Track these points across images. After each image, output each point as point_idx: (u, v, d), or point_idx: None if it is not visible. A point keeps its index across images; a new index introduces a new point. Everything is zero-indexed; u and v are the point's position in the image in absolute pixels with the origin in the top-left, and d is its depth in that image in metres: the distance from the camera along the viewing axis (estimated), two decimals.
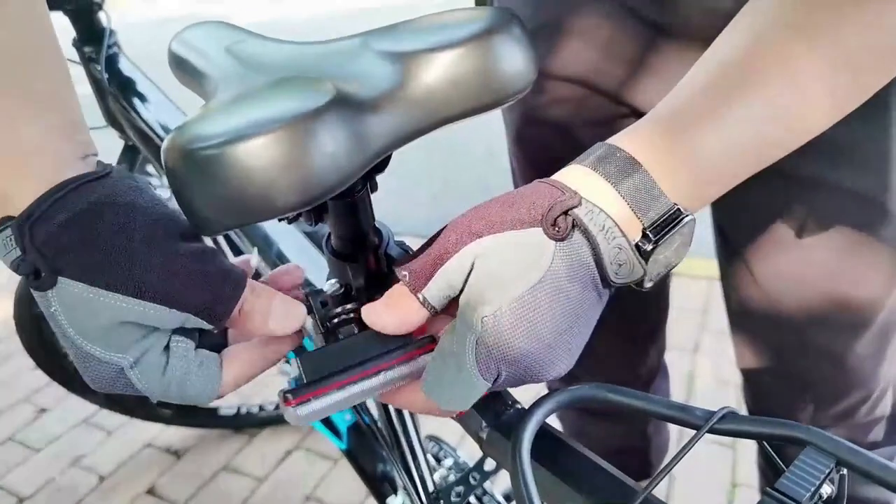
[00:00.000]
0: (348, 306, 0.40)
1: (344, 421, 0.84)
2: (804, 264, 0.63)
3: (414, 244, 0.40)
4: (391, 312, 0.35)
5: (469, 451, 0.76)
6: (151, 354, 0.32)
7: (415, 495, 0.52)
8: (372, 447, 0.82)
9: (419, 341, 0.37)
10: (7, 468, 1.50)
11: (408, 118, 0.29)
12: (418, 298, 0.34)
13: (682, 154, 0.33)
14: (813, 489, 0.29)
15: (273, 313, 0.35)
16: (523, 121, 0.72)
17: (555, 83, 0.66)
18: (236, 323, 0.35)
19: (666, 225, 0.33)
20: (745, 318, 0.74)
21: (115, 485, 1.45)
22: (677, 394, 1.55)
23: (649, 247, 0.33)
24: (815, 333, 0.66)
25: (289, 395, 0.35)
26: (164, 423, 1.54)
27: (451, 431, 1.50)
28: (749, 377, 0.78)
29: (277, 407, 1.57)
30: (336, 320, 0.39)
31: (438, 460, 0.75)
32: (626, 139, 0.34)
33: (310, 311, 0.39)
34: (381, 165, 0.41)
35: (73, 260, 0.30)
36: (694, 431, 0.33)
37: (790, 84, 0.32)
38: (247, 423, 1.58)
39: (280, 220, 0.42)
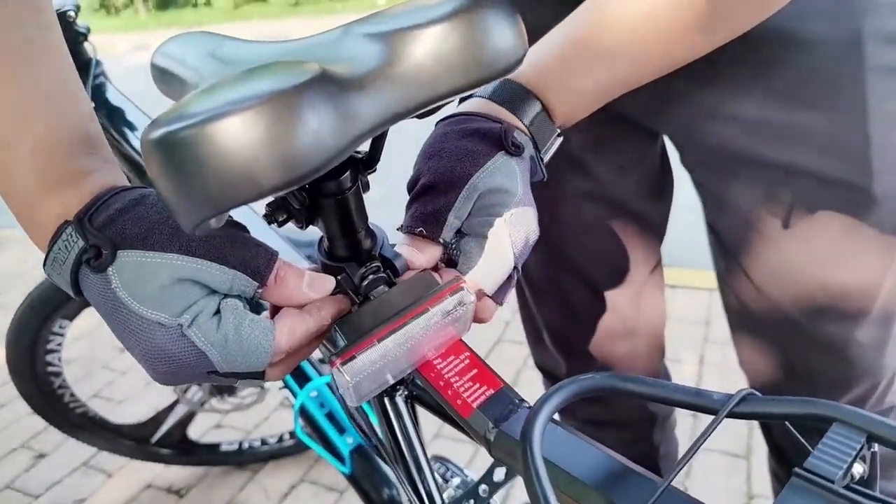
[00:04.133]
0: (374, 265, 0.40)
1: (346, 444, 0.82)
2: (795, 256, 0.63)
3: None
4: (418, 257, 0.43)
5: (477, 473, 0.74)
6: (204, 315, 0.36)
7: None
8: (376, 470, 0.80)
9: (447, 283, 0.39)
10: None
11: (395, 95, 0.28)
12: (440, 242, 0.43)
13: (565, 94, 0.48)
14: (845, 466, 0.27)
15: (306, 278, 0.39)
16: None
17: None
18: (273, 292, 0.38)
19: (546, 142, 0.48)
20: (744, 319, 0.73)
21: None
22: None
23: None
24: (815, 326, 0.66)
25: (334, 358, 0.36)
26: (165, 464, 1.50)
27: (458, 453, 1.47)
28: (753, 377, 0.77)
29: (280, 440, 1.53)
30: (365, 282, 0.40)
31: (446, 480, 0.73)
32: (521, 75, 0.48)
33: (341, 292, 0.40)
34: (371, 162, 0.40)
35: (129, 234, 0.35)
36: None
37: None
38: (249, 459, 1.54)
39: (270, 223, 0.41)
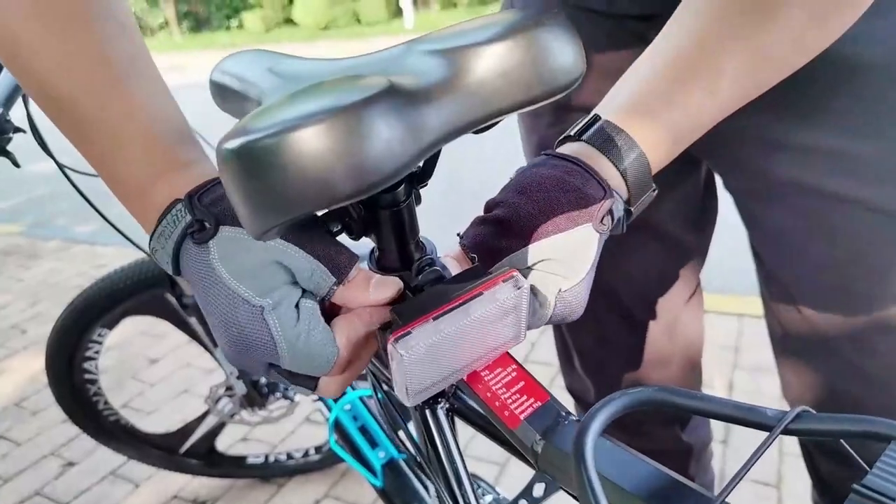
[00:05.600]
0: (427, 258, 0.41)
1: (378, 458, 0.82)
2: (841, 285, 0.61)
3: None
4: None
5: (508, 489, 0.73)
6: (286, 304, 0.38)
7: None
8: (407, 484, 0.80)
9: (499, 272, 0.39)
10: None
11: (460, 109, 0.29)
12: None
13: (657, 133, 0.45)
14: None
15: (373, 280, 0.40)
16: (542, 149, 0.73)
17: (573, 114, 0.67)
18: (343, 292, 0.40)
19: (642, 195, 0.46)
20: (788, 345, 0.72)
21: None
22: (714, 431, 1.50)
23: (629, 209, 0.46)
24: (861, 356, 0.64)
25: (388, 336, 0.36)
26: (192, 474, 1.52)
27: (482, 472, 1.46)
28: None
29: (306, 454, 1.54)
30: (421, 275, 0.40)
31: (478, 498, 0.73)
32: (619, 118, 0.45)
33: (399, 299, 0.40)
34: (424, 176, 0.41)
35: (231, 213, 0.38)
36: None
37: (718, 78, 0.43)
38: (275, 473, 1.55)
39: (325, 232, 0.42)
